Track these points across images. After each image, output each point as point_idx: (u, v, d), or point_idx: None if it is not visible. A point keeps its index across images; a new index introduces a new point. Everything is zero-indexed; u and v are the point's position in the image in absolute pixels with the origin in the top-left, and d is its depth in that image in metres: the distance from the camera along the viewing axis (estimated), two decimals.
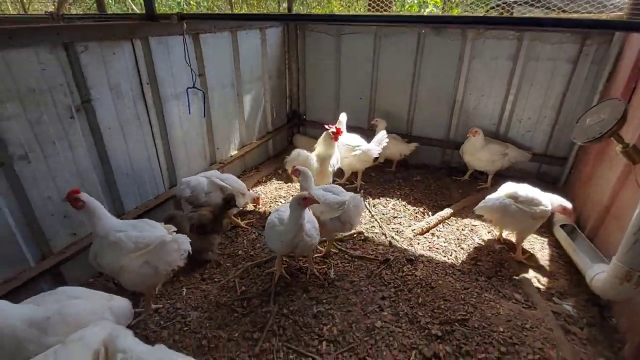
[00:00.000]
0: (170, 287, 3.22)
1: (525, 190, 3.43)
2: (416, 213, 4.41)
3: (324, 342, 2.65)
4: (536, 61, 4.65)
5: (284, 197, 4.83)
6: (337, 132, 4.29)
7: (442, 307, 2.95)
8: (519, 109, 4.98)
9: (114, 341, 1.86)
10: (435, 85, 5.31)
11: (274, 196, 4.83)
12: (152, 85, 3.61)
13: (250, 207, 4.49)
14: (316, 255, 3.57)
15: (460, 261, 3.56)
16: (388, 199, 4.71)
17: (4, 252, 2.67)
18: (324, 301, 3.03)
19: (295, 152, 4.53)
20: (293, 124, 6.62)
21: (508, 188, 3.53)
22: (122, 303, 2.32)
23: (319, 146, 4.45)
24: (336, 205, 3.20)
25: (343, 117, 5.05)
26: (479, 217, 4.00)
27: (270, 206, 4.62)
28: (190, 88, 3.81)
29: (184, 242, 2.73)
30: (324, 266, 3.48)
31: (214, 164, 4.74)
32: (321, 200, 3.10)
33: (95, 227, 2.64)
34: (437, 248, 3.76)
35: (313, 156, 4.42)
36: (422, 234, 3.99)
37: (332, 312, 2.91)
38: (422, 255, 3.60)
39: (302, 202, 2.71)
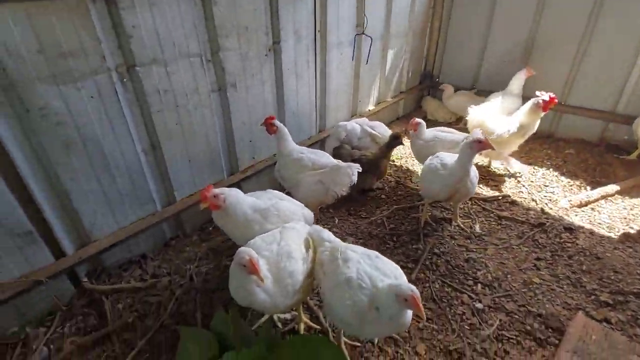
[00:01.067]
0: (323, 215, 3.63)
1: None
2: (571, 186, 4.05)
3: (479, 284, 2.74)
4: None
5: None
6: (550, 101, 3.63)
7: (612, 277, 2.75)
8: None
9: (319, 233, 2.25)
10: (613, 45, 4.57)
11: (406, 153, 4.92)
12: (322, 32, 3.91)
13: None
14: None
15: (630, 239, 3.21)
16: (536, 167, 4.40)
17: (212, 164, 3.33)
18: (474, 250, 3.09)
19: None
20: (424, 86, 6.49)
21: None
22: (309, 213, 2.74)
23: (524, 116, 3.83)
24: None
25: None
26: None
27: (405, 160, 4.74)
28: (359, 35, 4.01)
29: (354, 172, 3.02)
30: (467, 220, 3.50)
31: (354, 116, 4.99)
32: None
33: (282, 147, 3.15)
34: (599, 223, 3.44)
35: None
36: (579, 206, 3.67)
37: (483, 261, 2.96)
38: (582, 227, 3.35)
39: (476, 145, 2.73)
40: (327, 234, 2.24)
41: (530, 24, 5.05)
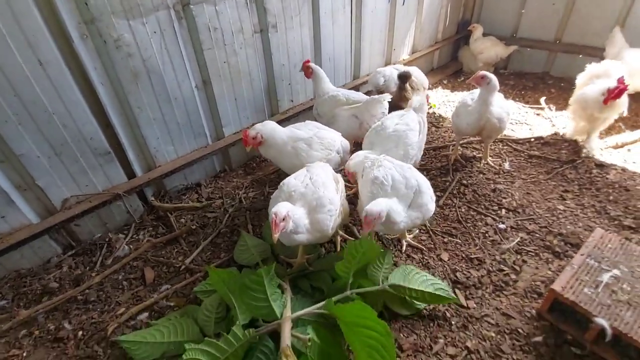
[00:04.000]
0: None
1: None
2: (609, 129, 3.99)
3: (504, 210, 2.93)
4: None
5: (452, 102, 4.92)
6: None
7: (639, 206, 2.83)
8: None
9: (362, 154, 2.51)
10: None
11: (443, 101, 4.97)
12: None
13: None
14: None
15: None
16: None
17: (256, 104, 3.62)
18: (501, 182, 3.25)
19: None
20: (462, 36, 6.32)
21: None
22: (346, 142, 2.99)
23: None
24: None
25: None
26: None
27: (439, 107, 4.81)
28: None
29: (385, 102, 3.21)
30: (498, 159, 3.62)
31: (388, 64, 5.05)
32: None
33: (319, 88, 3.39)
34: (633, 162, 3.44)
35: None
36: (615, 147, 3.65)
37: (510, 192, 3.12)
38: (614, 164, 3.38)
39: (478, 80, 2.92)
40: (369, 152, 2.54)
41: None
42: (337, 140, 2.83)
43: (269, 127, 2.74)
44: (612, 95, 3.03)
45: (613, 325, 1.74)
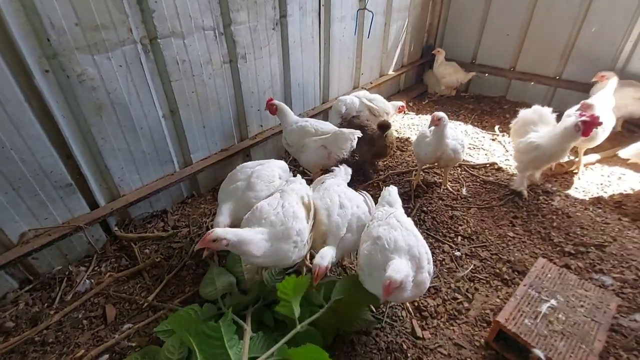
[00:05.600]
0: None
1: None
2: None
3: (459, 237, 3.12)
4: None
5: (417, 125, 5.17)
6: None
7: (578, 233, 3.12)
8: None
9: (391, 196, 2.53)
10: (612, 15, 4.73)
11: (407, 123, 5.21)
12: (326, 7, 4.12)
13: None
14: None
15: (602, 202, 3.54)
16: None
17: (224, 130, 3.66)
18: (458, 209, 3.46)
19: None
20: (426, 60, 6.66)
21: None
22: (283, 163, 3.04)
23: None
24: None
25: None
26: (631, 165, 3.82)
27: (403, 132, 5.03)
28: (360, 10, 4.22)
29: (355, 138, 3.34)
30: (456, 184, 3.85)
31: (356, 88, 5.25)
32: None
33: (284, 121, 3.49)
34: (575, 188, 3.77)
35: None
36: (561, 174, 3.99)
37: (466, 218, 3.33)
38: (559, 191, 3.68)
39: (435, 121, 3.14)
40: (395, 199, 2.49)
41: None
42: (274, 169, 2.86)
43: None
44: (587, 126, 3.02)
45: (548, 355, 1.92)
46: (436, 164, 3.65)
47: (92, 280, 2.77)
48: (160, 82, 2.98)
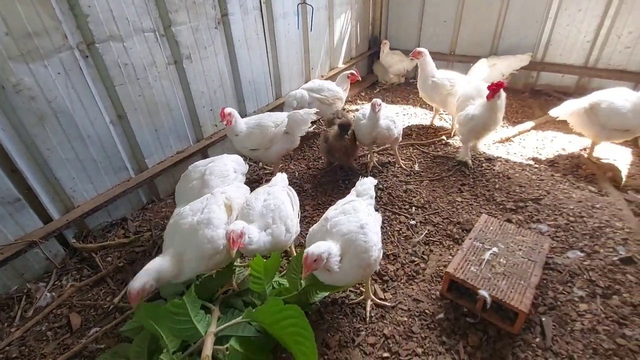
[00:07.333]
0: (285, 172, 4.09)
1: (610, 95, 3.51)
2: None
3: (413, 207, 3.33)
4: None
5: None
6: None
7: (517, 191, 3.42)
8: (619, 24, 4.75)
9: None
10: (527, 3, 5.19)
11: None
12: (267, 3, 4.23)
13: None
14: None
15: (537, 162, 3.89)
16: None
17: (178, 132, 3.67)
18: (412, 183, 3.68)
19: None
20: (374, 51, 6.93)
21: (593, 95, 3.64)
22: (237, 157, 3.14)
23: None
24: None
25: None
26: (561, 128, 4.22)
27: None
28: (301, 4, 4.36)
29: (308, 115, 3.50)
30: (409, 162, 4.08)
31: (308, 81, 5.37)
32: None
33: (238, 130, 3.45)
34: (514, 153, 4.11)
35: None
36: (500, 142, 4.33)
37: (419, 190, 3.55)
38: (500, 157, 4.01)
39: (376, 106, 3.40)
40: (365, 190, 2.50)
41: None
42: (227, 164, 2.93)
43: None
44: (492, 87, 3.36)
45: (492, 294, 2.13)
46: (375, 144, 3.86)
47: (54, 294, 2.70)
48: (104, 87, 2.95)
